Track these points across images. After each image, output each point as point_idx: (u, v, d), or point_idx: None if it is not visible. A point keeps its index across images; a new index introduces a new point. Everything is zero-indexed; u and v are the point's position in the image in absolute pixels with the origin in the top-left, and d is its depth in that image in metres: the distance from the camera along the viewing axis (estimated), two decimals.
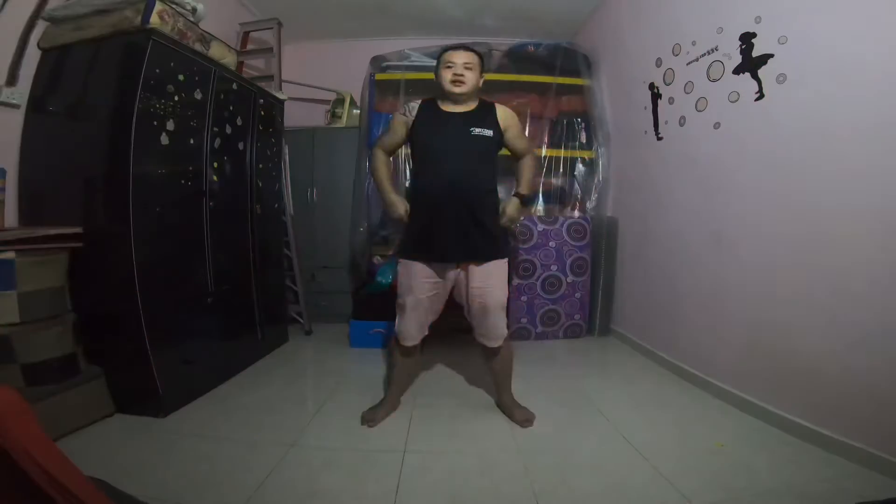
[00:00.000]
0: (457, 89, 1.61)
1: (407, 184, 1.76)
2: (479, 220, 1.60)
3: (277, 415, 1.80)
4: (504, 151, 1.75)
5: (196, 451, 1.50)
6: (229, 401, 1.92)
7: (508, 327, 1.76)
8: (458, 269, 1.66)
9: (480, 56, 1.68)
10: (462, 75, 1.61)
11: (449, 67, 1.62)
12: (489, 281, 1.64)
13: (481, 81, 1.68)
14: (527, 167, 1.75)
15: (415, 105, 1.70)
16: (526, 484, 1.34)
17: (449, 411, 1.84)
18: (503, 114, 1.69)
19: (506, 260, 1.71)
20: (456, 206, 1.57)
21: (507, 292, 1.72)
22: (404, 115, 1.70)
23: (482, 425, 1.73)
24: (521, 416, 1.76)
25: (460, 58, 1.62)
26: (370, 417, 1.74)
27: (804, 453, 1.49)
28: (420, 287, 1.65)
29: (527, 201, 1.78)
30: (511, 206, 1.69)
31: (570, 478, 1.38)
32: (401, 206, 1.66)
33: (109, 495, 0.88)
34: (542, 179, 3.00)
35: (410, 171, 1.76)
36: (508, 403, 1.81)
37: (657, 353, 2.42)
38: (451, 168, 1.58)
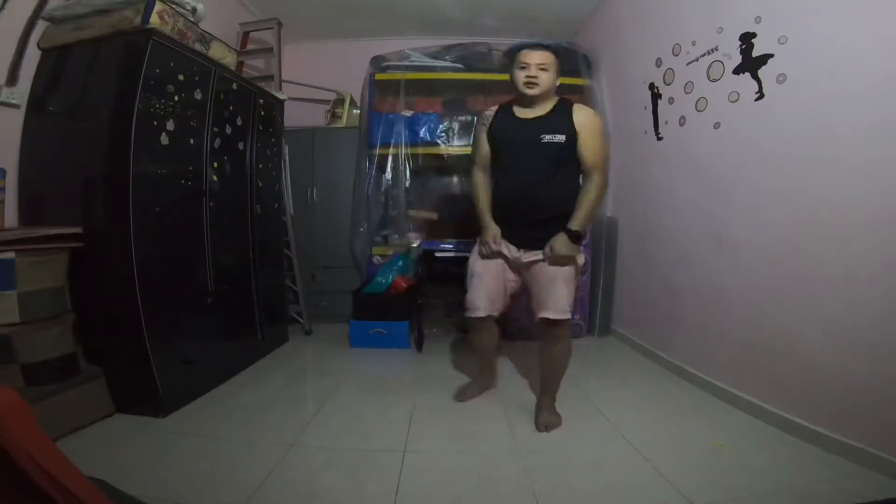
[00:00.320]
0: (530, 91, 1.56)
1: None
2: (551, 231, 1.58)
3: (277, 415, 1.80)
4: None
5: (196, 451, 1.50)
6: (229, 401, 1.92)
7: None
8: (524, 253, 1.66)
9: (557, 55, 1.60)
10: (535, 77, 1.55)
11: (522, 68, 1.57)
12: (558, 262, 1.59)
13: (558, 82, 1.61)
14: (588, 195, 1.56)
15: (490, 113, 1.70)
16: (526, 484, 1.34)
17: (449, 411, 1.84)
18: (580, 115, 1.57)
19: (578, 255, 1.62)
20: (527, 219, 1.61)
21: (574, 281, 1.65)
22: (483, 123, 1.70)
23: (482, 425, 1.73)
24: (543, 420, 1.69)
25: (535, 58, 1.56)
26: (460, 393, 1.80)
27: (804, 453, 1.49)
28: (490, 261, 1.69)
29: (577, 237, 1.56)
30: (558, 243, 1.56)
31: (570, 478, 1.38)
32: (494, 232, 1.68)
33: (109, 495, 0.88)
34: None
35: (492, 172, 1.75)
36: (545, 405, 1.75)
37: (657, 352, 2.42)
38: (521, 180, 1.59)
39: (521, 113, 1.64)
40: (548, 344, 1.73)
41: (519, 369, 2.35)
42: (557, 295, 1.61)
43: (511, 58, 1.64)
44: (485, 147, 1.71)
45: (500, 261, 1.72)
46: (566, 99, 1.64)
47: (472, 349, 1.87)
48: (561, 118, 1.58)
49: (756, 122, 1.78)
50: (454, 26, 3.38)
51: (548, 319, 1.63)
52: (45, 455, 0.71)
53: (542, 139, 1.56)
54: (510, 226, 1.67)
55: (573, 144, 1.57)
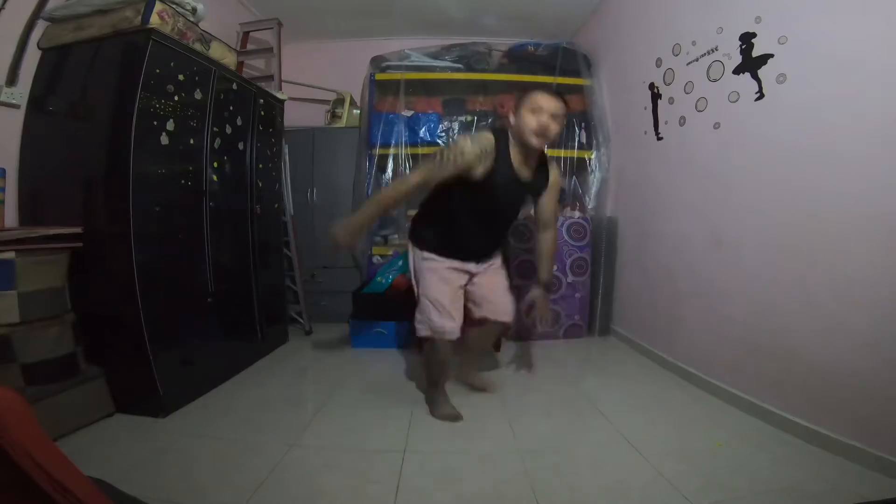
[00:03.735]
0: (538, 143, 1.49)
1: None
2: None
3: (277, 415, 1.80)
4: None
5: (196, 451, 1.50)
6: (229, 401, 1.92)
7: (510, 327, 1.81)
8: (475, 265, 1.75)
9: (567, 106, 1.54)
10: (548, 127, 1.46)
11: (534, 112, 1.46)
12: (496, 273, 1.82)
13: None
14: (549, 249, 1.80)
15: (490, 147, 1.50)
16: (526, 484, 1.34)
17: None
18: (554, 174, 1.71)
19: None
20: (480, 253, 1.76)
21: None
22: (481, 156, 1.48)
23: (482, 425, 1.73)
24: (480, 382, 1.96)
25: (550, 106, 1.46)
26: (451, 414, 1.75)
27: (804, 453, 1.49)
28: (452, 277, 1.70)
29: (549, 287, 1.84)
30: (540, 301, 1.78)
31: (570, 478, 1.38)
32: (348, 239, 1.54)
33: (109, 495, 0.88)
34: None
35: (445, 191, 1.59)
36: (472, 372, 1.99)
37: (657, 353, 2.42)
38: (489, 227, 1.70)
39: (520, 170, 1.57)
40: (490, 333, 1.90)
41: (519, 370, 2.35)
42: (505, 300, 1.81)
43: (520, 97, 1.54)
44: (460, 169, 1.49)
45: (459, 283, 1.73)
46: (543, 153, 1.65)
47: (434, 371, 1.78)
48: (542, 178, 1.67)
49: (756, 122, 1.78)
50: (454, 26, 3.38)
51: (505, 322, 1.82)
52: (45, 455, 0.71)
53: (525, 200, 1.70)
54: (461, 253, 1.70)
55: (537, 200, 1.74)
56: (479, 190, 1.52)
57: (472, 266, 1.75)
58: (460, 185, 1.53)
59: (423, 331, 1.69)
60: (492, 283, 1.80)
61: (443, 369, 1.77)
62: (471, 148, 1.48)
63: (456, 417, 1.73)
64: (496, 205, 1.61)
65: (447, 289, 1.66)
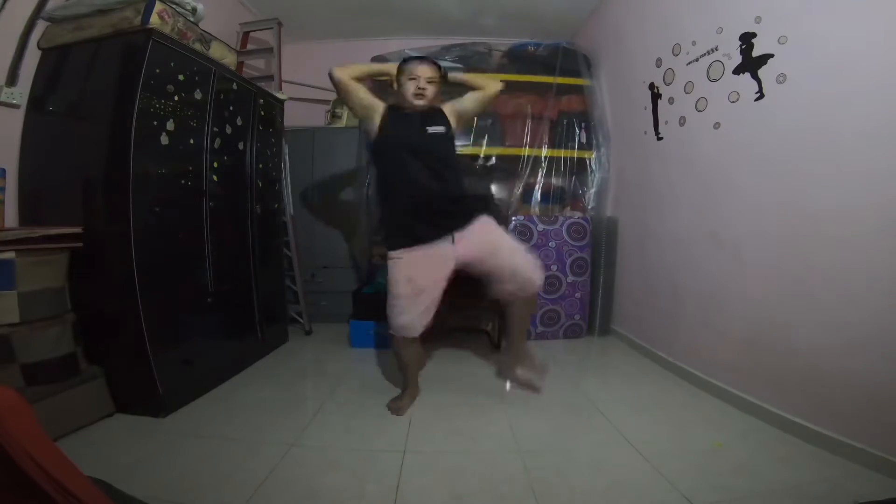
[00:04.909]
0: (418, 104, 1.75)
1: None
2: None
3: (277, 415, 1.80)
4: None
5: (196, 451, 1.50)
6: (229, 401, 1.92)
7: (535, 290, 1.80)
8: (453, 244, 1.69)
9: (439, 69, 1.79)
10: (425, 88, 1.74)
11: (412, 80, 1.74)
12: (489, 236, 1.74)
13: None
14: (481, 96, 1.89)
15: (378, 105, 1.80)
16: (526, 484, 1.34)
17: (449, 411, 1.84)
18: (447, 106, 1.85)
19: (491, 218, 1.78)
20: (442, 211, 1.72)
21: (511, 238, 1.82)
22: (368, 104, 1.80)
23: (482, 425, 1.73)
24: (532, 370, 1.89)
25: (425, 72, 1.74)
26: (396, 407, 1.80)
27: (804, 453, 1.49)
28: (420, 274, 1.68)
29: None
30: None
31: (570, 477, 1.38)
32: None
33: (109, 495, 0.88)
34: (542, 179, 3.01)
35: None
36: (523, 353, 1.92)
37: (657, 352, 2.42)
38: (432, 173, 1.73)
39: (412, 113, 1.78)
40: (523, 302, 1.81)
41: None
42: (521, 267, 1.72)
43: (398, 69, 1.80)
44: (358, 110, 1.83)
45: (432, 279, 1.70)
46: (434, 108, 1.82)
47: (403, 363, 1.84)
48: (436, 112, 1.80)
49: (756, 122, 1.78)
50: (454, 26, 3.39)
51: (532, 282, 1.73)
52: (45, 455, 0.71)
53: (433, 130, 1.76)
54: (423, 224, 1.69)
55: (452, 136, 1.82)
56: (391, 140, 1.75)
57: (446, 245, 1.68)
58: (379, 151, 1.82)
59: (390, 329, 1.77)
60: (487, 244, 1.71)
61: (404, 365, 1.85)
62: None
63: (396, 410, 1.80)
64: (410, 141, 1.73)
65: (408, 287, 1.69)
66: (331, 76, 1.76)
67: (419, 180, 1.70)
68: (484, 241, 1.71)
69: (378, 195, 1.83)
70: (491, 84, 1.87)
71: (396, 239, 1.72)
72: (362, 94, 1.78)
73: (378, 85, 3.08)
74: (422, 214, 1.68)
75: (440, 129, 1.77)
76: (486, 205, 1.81)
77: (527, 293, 1.76)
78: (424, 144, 1.73)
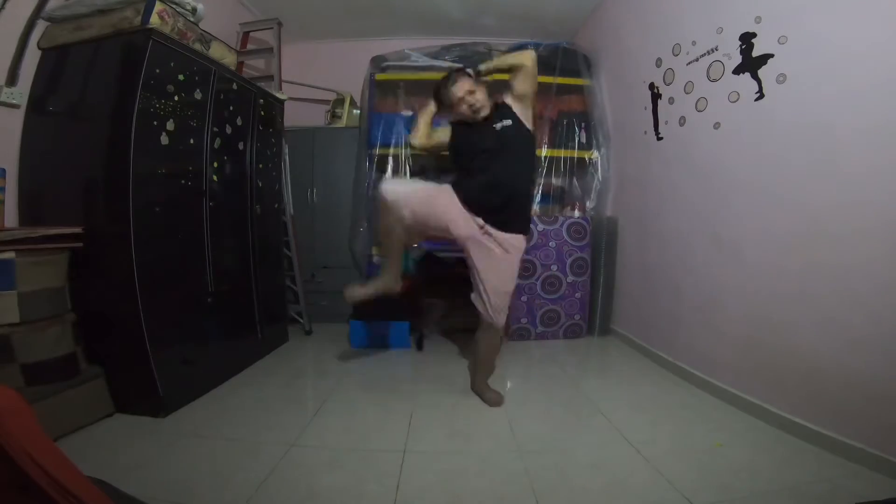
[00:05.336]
0: (478, 117, 1.79)
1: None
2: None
3: (277, 415, 1.80)
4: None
5: (196, 451, 1.50)
6: (229, 401, 1.92)
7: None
8: (481, 229, 1.75)
9: (469, 74, 1.84)
10: (473, 103, 1.77)
11: (459, 103, 1.78)
12: (503, 259, 1.78)
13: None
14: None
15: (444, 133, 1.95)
16: (526, 484, 1.34)
17: (449, 411, 1.84)
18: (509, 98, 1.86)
19: (523, 242, 1.83)
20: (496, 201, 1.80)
21: (514, 282, 1.87)
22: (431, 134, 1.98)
23: (482, 425, 1.73)
24: (492, 397, 1.91)
25: (462, 89, 1.77)
26: (354, 291, 1.87)
27: (804, 453, 1.49)
28: (446, 210, 1.74)
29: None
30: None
31: (570, 478, 1.38)
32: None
33: (109, 495, 0.88)
34: (542, 180, 3.01)
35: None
36: (481, 386, 1.96)
37: (657, 352, 2.42)
38: (503, 168, 1.80)
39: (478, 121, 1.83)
40: (482, 334, 1.91)
41: (519, 369, 2.35)
42: (497, 304, 1.83)
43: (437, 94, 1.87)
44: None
45: (463, 223, 1.76)
46: (494, 105, 1.85)
47: (386, 237, 1.83)
48: (502, 108, 1.83)
49: (756, 122, 1.78)
50: (454, 26, 3.39)
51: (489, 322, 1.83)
52: (45, 455, 0.71)
53: (504, 131, 1.79)
54: (481, 200, 1.76)
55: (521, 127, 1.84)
56: (466, 150, 1.83)
57: (476, 223, 1.75)
58: (457, 160, 1.90)
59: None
60: (494, 261, 1.78)
61: (390, 241, 1.84)
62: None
63: (350, 294, 1.87)
64: (485, 146, 1.77)
65: (428, 202, 1.74)
66: (412, 147, 1.97)
67: (492, 174, 1.74)
68: (496, 256, 1.77)
69: (456, 182, 1.85)
70: (519, 57, 1.81)
71: (462, 191, 1.78)
72: (437, 140, 1.94)
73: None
74: (483, 196, 1.74)
75: (507, 121, 1.79)
76: (526, 226, 1.87)
77: (489, 323, 1.85)
78: (498, 142, 1.76)
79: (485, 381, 1.98)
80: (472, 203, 1.75)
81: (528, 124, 1.83)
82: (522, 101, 1.82)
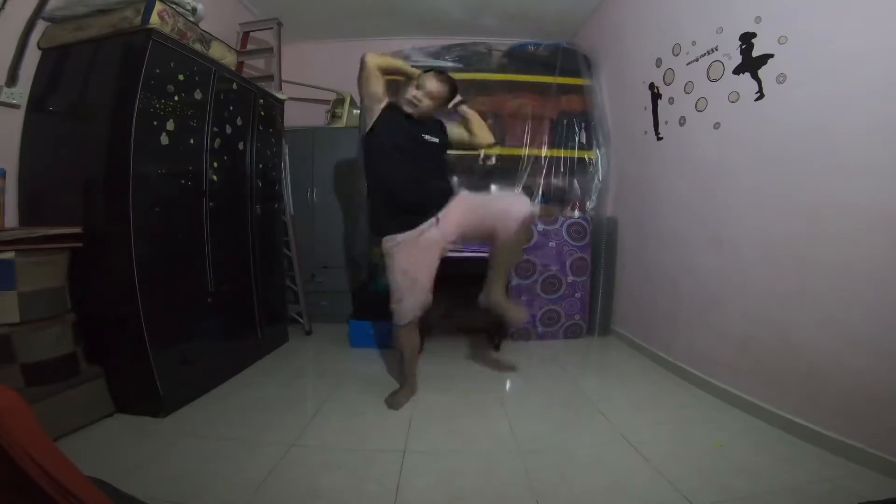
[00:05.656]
0: (408, 109, 1.81)
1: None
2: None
3: (277, 415, 1.80)
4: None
5: (196, 451, 1.50)
6: (229, 401, 1.92)
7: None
8: (438, 226, 1.79)
9: (450, 91, 1.87)
10: (421, 100, 1.79)
11: (417, 87, 1.80)
12: (468, 201, 1.84)
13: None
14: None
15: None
16: (526, 484, 1.34)
17: (449, 411, 1.84)
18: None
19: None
20: (428, 197, 1.85)
21: (482, 197, 1.96)
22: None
23: (482, 425, 1.73)
24: (515, 312, 1.91)
25: (432, 86, 1.80)
26: (394, 401, 1.85)
27: (804, 453, 1.49)
28: (413, 264, 1.78)
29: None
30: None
31: (570, 478, 1.38)
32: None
33: (109, 495, 0.88)
34: (542, 180, 3.01)
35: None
36: (500, 297, 1.89)
37: (657, 352, 2.42)
38: (418, 165, 1.85)
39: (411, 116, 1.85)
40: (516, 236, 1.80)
41: (519, 369, 2.35)
42: (510, 201, 1.78)
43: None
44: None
45: (424, 264, 1.81)
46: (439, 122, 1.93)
47: (400, 356, 1.93)
48: (435, 125, 1.89)
49: (756, 122, 1.78)
50: (454, 26, 3.39)
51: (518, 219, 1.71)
52: (45, 455, 0.71)
53: (426, 135, 1.84)
54: (412, 206, 1.80)
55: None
56: (383, 136, 1.81)
57: (431, 228, 1.79)
58: (370, 143, 1.86)
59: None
60: (468, 208, 1.81)
61: (405, 358, 1.91)
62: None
63: (393, 405, 1.85)
64: (400, 142, 1.80)
65: (405, 279, 1.80)
66: (362, 60, 1.79)
67: (404, 178, 1.78)
68: (464, 206, 1.82)
69: (367, 184, 1.91)
70: (485, 136, 1.94)
71: (386, 226, 1.83)
72: (378, 85, 1.81)
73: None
74: (404, 206, 1.79)
75: (435, 139, 1.86)
76: (450, 187, 1.92)
77: (527, 223, 1.76)
78: (416, 148, 1.81)
79: (503, 290, 1.90)
80: (411, 215, 1.78)
81: (446, 151, 1.95)
82: (455, 143, 1.95)
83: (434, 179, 1.85)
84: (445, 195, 1.85)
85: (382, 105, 1.83)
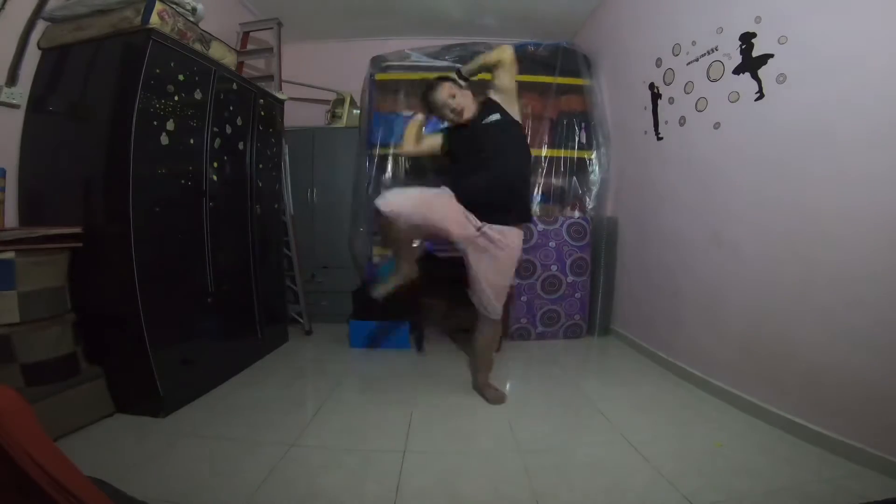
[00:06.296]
0: (462, 120, 1.83)
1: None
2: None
3: (277, 415, 1.80)
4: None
5: (196, 451, 1.50)
6: (229, 401, 1.92)
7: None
8: (478, 231, 1.77)
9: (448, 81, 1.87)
10: (455, 107, 1.81)
11: (443, 110, 1.84)
12: (500, 259, 1.81)
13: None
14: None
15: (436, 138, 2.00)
16: (526, 484, 1.35)
17: (449, 411, 1.84)
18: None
19: (520, 237, 1.85)
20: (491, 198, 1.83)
21: (512, 276, 1.92)
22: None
23: (482, 425, 1.73)
24: (493, 395, 1.93)
25: (441, 97, 1.82)
26: (377, 291, 1.86)
27: (804, 453, 1.49)
28: (445, 214, 1.73)
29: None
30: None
31: (570, 478, 1.38)
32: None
33: (109, 495, 0.88)
34: (542, 180, 3.01)
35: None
36: (482, 384, 1.98)
37: (657, 352, 2.42)
38: (497, 165, 1.82)
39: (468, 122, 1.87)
40: (480, 328, 1.94)
41: (519, 369, 2.35)
42: (490, 298, 1.85)
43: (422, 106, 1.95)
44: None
45: (462, 222, 1.77)
46: (480, 105, 1.88)
47: (391, 241, 1.85)
48: (489, 106, 1.85)
49: (756, 122, 1.78)
50: (454, 26, 3.38)
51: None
52: (45, 455, 0.71)
53: (494, 131, 1.82)
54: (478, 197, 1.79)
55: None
56: (461, 152, 1.88)
57: (472, 223, 1.76)
58: (454, 162, 1.92)
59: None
60: (492, 258, 1.80)
61: (395, 238, 1.80)
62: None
63: (380, 294, 1.85)
64: (474, 146, 1.82)
65: (429, 210, 1.71)
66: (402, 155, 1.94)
67: (488, 171, 1.76)
68: (492, 256, 1.80)
69: (453, 183, 1.85)
70: (497, 54, 1.81)
71: (458, 194, 1.79)
72: (428, 145, 1.97)
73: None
74: (482, 195, 1.76)
75: (496, 116, 1.82)
76: (527, 215, 1.90)
77: (485, 317, 1.89)
78: (489, 138, 1.79)
79: (486, 378, 1.98)
80: (472, 203, 1.77)
81: (516, 116, 1.86)
82: (507, 94, 1.85)
83: (511, 173, 1.80)
84: (509, 211, 1.80)
85: (441, 138, 1.94)
